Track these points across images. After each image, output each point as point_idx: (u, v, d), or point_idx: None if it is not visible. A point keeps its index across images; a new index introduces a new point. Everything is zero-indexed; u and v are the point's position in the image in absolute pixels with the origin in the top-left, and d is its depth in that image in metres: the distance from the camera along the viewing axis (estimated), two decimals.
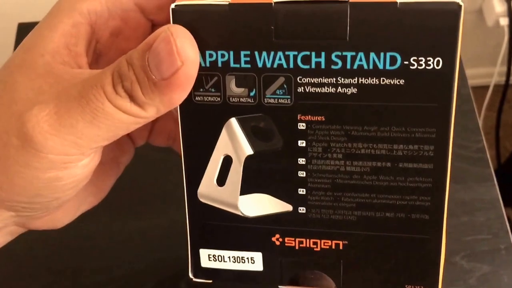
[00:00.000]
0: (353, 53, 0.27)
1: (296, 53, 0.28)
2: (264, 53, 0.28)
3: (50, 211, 0.33)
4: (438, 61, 0.27)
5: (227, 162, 0.31)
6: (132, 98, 0.28)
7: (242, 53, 0.28)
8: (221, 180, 0.31)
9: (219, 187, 0.31)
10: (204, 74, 0.29)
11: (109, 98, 0.28)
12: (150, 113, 0.28)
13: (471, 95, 0.67)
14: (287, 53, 0.28)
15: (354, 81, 0.28)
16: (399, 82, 0.27)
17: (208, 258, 0.33)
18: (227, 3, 0.27)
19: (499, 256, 0.53)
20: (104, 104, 0.28)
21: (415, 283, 0.31)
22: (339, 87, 0.28)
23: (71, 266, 0.56)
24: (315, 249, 0.32)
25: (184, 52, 0.27)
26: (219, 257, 0.33)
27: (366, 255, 0.31)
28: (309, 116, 0.29)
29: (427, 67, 0.27)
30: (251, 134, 0.30)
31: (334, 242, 0.31)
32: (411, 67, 0.27)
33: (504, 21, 1.33)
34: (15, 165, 0.28)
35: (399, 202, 0.30)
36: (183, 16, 0.28)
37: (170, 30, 0.27)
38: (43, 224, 0.34)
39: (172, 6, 0.28)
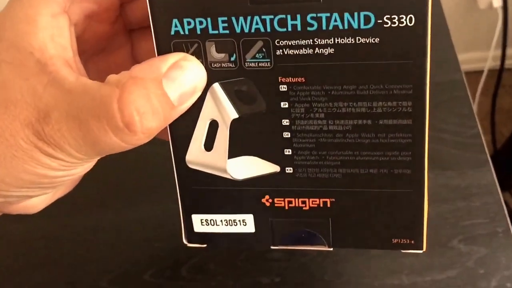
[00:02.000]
0: (328, 14, 0.29)
1: (272, 16, 0.29)
2: (241, 18, 0.30)
3: (29, 199, 0.34)
4: (411, 18, 0.28)
5: (213, 127, 0.32)
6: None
7: (220, 19, 0.30)
8: (209, 145, 0.33)
9: (207, 152, 0.33)
10: (185, 42, 0.31)
11: (115, 135, 0.29)
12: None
13: (464, 80, 0.69)
14: (263, 17, 0.29)
15: (331, 41, 0.29)
16: (374, 40, 0.29)
17: (200, 223, 0.35)
18: None
19: (497, 239, 0.55)
20: (108, 138, 0.29)
21: (401, 236, 0.33)
22: (317, 48, 0.30)
23: (70, 258, 0.58)
24: (304, 208, 0.34)
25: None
26: (211, 221, 0.35)
27: (353, 211, 0.33)
28: (290, 78, 0.31)
29: (400, 25, 0.28)
30: (235, 98, 0.31)
31: (321, 200, 0.33)
32: (385, 25, 0.29)
33: (497, 3, 1.34)
34: (24, 164, 0.30)
35: (381, 158, 0.32)
36: None
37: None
38: (18, 209, 0.35)
39: None
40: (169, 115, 0.30)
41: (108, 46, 0.37)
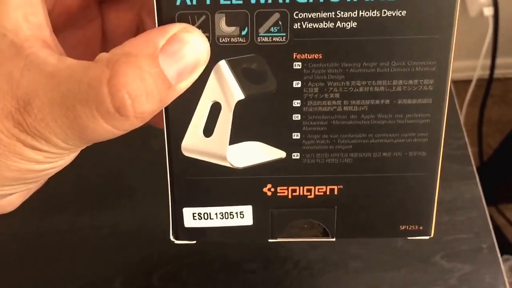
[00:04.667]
0: None
1: None
2: None
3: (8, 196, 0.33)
4: None
5: (215, 110, 0.30)
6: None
7: None
8: (208, 130, 0.31)
9: (206, 138, 0.31)
10: (190, 13, 0.29)
11: (106, 121, 0.27)
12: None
13: (452, 89, 0.69)
14: None
15: (354, 14, 0.28)
16: (400, 13, 0.28)
17: (192, 217, 0.33)
18: None
19: (481, 256, 0.55)
20: (97, 124, 0.27)
21: (410, 222, 0.33)
22: (338, 22, 0.28)
23: (40, 261, 0.57)
24: (308, 196, 0.32)
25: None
26: (205, 215, 0.33)
27: (361, 198, 0.32)
28: (306, 55, 0.29)
29: None
30: (242, 76, 0.30)
31: (329, 187, 0.32)
32: None
33: (488, 11, 1.35)
34: (6, 160, 0.28)
35: (396, 140, 0.31)
36: None
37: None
38: None
39: None
40: (165, 96, 0.28)
41: (78, 20, 0.35)
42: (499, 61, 1.36)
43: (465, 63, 1.55)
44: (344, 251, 0.56)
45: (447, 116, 0.31)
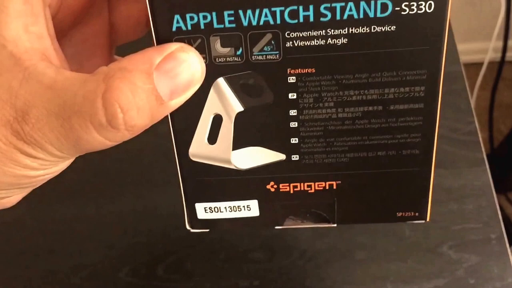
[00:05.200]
0: (343, 4, 0.29)
1: (282, 8, 0.29)
2: (249, 11, 0.29)
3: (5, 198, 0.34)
4: (430, 4, 0.29)
5: (217, 120, 0.33)
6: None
7: (226, 13, 0.29)
8: (212, 138, 0.33)
9: (211, 145, 0.33)
10: (187, 38, 0.30)
11: (99, 132, 0.28)
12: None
13: (463, 72, 0.68)
14: (273, 9, 0.29)
15: (345, 31, 0.29)
16: (390, 28, 0.29)
17: (204, 210, 0.36)
18: None
19: (490, 247, 0.54)
20: (90, 135, 0.28)
21: (406, 209, 0.35)
22: (329, 39, 0.30)
23: (45, 250, 0.58)
24: (309, 191, 0.35)
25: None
26: (215, 209, 0.36)
27: (359, 191, 0.35)
28: (299, 69, 0.31)
29: (418, 11, 0.29)
30: (240, 91, 0.31)
31: (328, 183, 0.35)
32: (402, 12, 0.29)
33: None
34: (2, 166, 0.29)
35: (390, 141, 0.33)
36: None
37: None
38: None
39: None
40: (157, 112, 0.29)
41: (84, 18, 0.35)
42: (511, 43, 1.35)
43: (476, 45, 1.54)
44: (350, 240, 0.56)
45: (439, 118, 0.32)
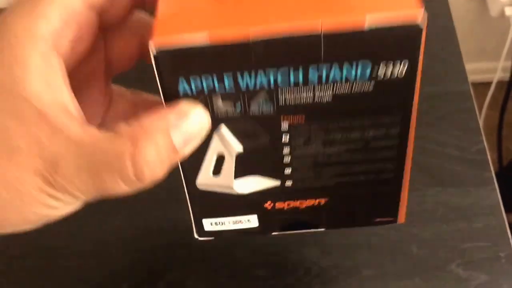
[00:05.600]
0: (327, 70, 0.34)
1: (275, 76, 0.34)
2: (247, 77, 0.34)
3: None
4: (401, 72, 0.34)
5: (220, 157, 0.38)
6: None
7: (226, 82, 0.34)
8: (217, 171, 0.39)
9: (215, 177, 0.39)
10: (193, 97, 0.35)
11: (126, 184, 0.32)
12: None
13: (471, 92, 0.68)
14: (268, 76, 0.34)
15: (330, 92, 0.35)
16: (368, 89, 0.35)
17: (210, 224, 0.42)
18: (207, 44, 0.32)
19: (499, 265, 0.54)
20: (118, 186, 0.32)
21: (382, 216, 0.43)
22: (316, 98, 0.35)
23: (45, 265, 0.57)
24: (301, 207, 0.42)
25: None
26: (220, 222, 0.42)
27: (343, 205, 0.42)
28: (291, 118, 0.36)
29: (392, 77, 0.34)
30: (239, 135, 0.37)
31: (317, 200, 0.41)
32: (378, 79, 0.34)
33: (510, 11, 1.34)
34: (31, 208, 0.32)
35: (368, 168, 0.40)
36: (165, 58, 0.33)
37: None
38: None
39: (153, 51, 0.32)
40: (173, 160, 0.33)
41: (85, 58, 0.37)
42: None
43: (485, 65, 1.54)
44: (357, 258, 0.56)
45: (412, 146, 0.38)
